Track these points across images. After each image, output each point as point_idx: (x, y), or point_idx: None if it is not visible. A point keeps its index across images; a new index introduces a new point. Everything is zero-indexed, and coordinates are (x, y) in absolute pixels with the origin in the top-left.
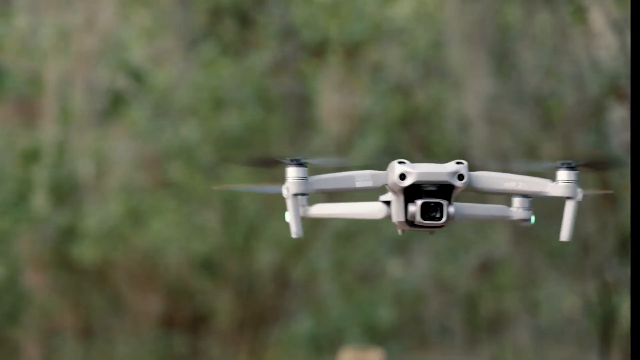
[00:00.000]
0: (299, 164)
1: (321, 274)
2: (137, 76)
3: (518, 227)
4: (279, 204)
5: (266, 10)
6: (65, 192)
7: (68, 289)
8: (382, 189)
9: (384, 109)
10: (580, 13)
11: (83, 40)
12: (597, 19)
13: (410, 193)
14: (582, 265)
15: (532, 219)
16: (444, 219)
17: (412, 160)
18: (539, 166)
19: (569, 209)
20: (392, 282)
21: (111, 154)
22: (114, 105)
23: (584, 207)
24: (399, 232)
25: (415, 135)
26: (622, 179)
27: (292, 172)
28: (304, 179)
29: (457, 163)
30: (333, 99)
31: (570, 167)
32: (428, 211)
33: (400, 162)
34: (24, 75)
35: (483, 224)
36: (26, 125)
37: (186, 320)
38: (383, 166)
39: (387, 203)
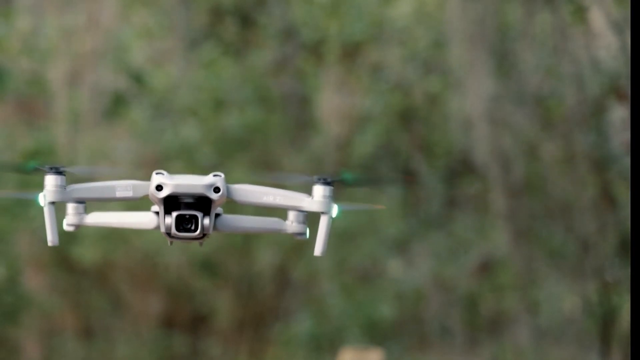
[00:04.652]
0: (57, 172)
1: (321, 274)
2: (137, 77)
3: (518, 227)
4: None
5: (266, 11)
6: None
7: (68, 289)
8: None
9: (384, 109)
10: (580, 13)
11: (84, 40)
12: (597, 19)
13: (171, 204)
14: (582, 265)
15: (307, 232)
16: (198, 232)
17: (412, 160)
18: (297, 180)
19: (323, 224)
20: (392, 282)
21: (111, 154)
22: (115, 105)
23: (584, 207)
24: (169, 243)
25: (415, 135)
26: (622, 179)
27: (50, 181)
28: (62, 187)
29: (215, 176)
30: (333, 98)
31: (325, 183)
32: (183, 223)
33: (158, 173)
34: (24, 76)
35: (484, 224)
36: (26, 125)
37: (186, 320)
38: (145, 179)
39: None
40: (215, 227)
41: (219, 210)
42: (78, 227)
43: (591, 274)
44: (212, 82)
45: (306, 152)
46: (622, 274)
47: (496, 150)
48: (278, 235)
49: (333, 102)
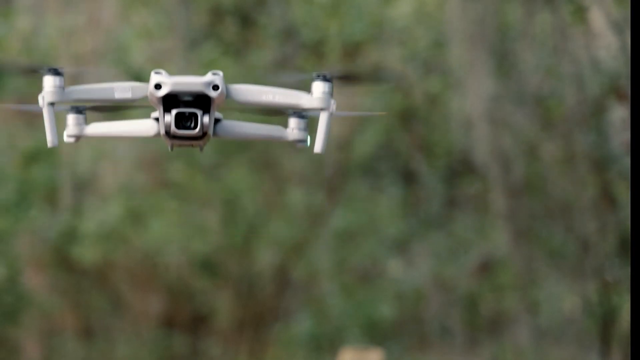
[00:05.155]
0: (56, 73)
1: (321, 274)
2: (137, 76)
3: (518, 227)
4: (279, 203)
5: (266, 11)
6: (65, 193)
7: (68, 289)
8: None
9: (384, 109)
10: (580, 13)
11: (84, 40)
12: (597, 19)
13: (170, 104)
14: (582, 265)
15: (308, 140)
16: (197, 129)
17: (414, 161)
18: (296, 77)
19: (323, 121)
20: (392, 282)
21: (112, 154)
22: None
23: (584, 207)
24: (169, 148)
25: (415, 135)
26: (622, 179)
27: (48, 82)
28: (60, 88)
29: (213, 74)
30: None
31: (325, 79)
32: (182, 121)
33: (156, 73)
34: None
35: (484, 224)
36: (27, 126)
37: (186, 320)
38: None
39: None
40: (216, 133)
41: (219, 116)
42: (79, 138)
43: (591, 274)
44: None
45: (306, 152)
46: (622, 274)
47: (496, 150)
48: (278, 235)
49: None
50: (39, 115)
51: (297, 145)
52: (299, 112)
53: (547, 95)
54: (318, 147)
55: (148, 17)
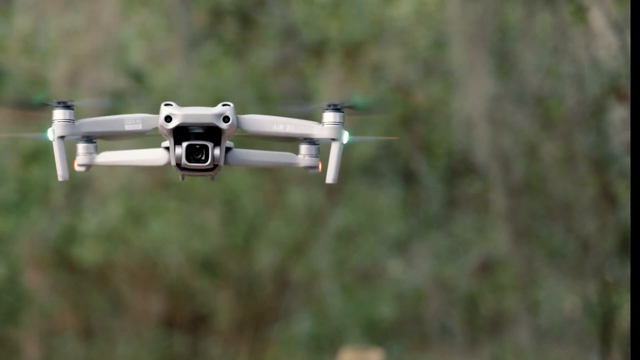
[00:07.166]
0: (66, 106)
1: (321, 274)
2: (137, 76)
3: (518, 227)
4: (279, 203)
5: (267, 11)
6: (65, 193)
7: (68, 289)
8: None
9: (384, 109)
10: (580, 13)
11: (84, 40)
12: (597, 19)
13: (180, 136)
14: (582, 265)
15: (319, 166)
16: (208, 162)
17: (413, 160)
18: (307, 108)
19: (334, 151)
20: (392, 282)
21: None
22: (115, 105)
23: (584, 207)
24: (180, 178)
25: (415, 135)
26: (622, 179)
27: (58, 115)
28: (70, 121)
29: (224, 105)
30: (333, 98)
31: (336, 109)
32: (193, 153)
33: (167, 105)
34: (24, 76)
35: (484, 224)
36: (27, 126)
37: (186, 320)
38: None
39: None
40: (227, 161)
41: (230, 144)
42: (89, 167)
43: (591, 274)
44: (213, 82)
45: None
46: (622, 274)
47: (496, 150)
48: (278, 235)
49: (333, 102)
50: (39, 115)
51: (309, 172)
52: (310, 139)
53: (547, 95)
54: (330, 178)
55: (148, 17)
